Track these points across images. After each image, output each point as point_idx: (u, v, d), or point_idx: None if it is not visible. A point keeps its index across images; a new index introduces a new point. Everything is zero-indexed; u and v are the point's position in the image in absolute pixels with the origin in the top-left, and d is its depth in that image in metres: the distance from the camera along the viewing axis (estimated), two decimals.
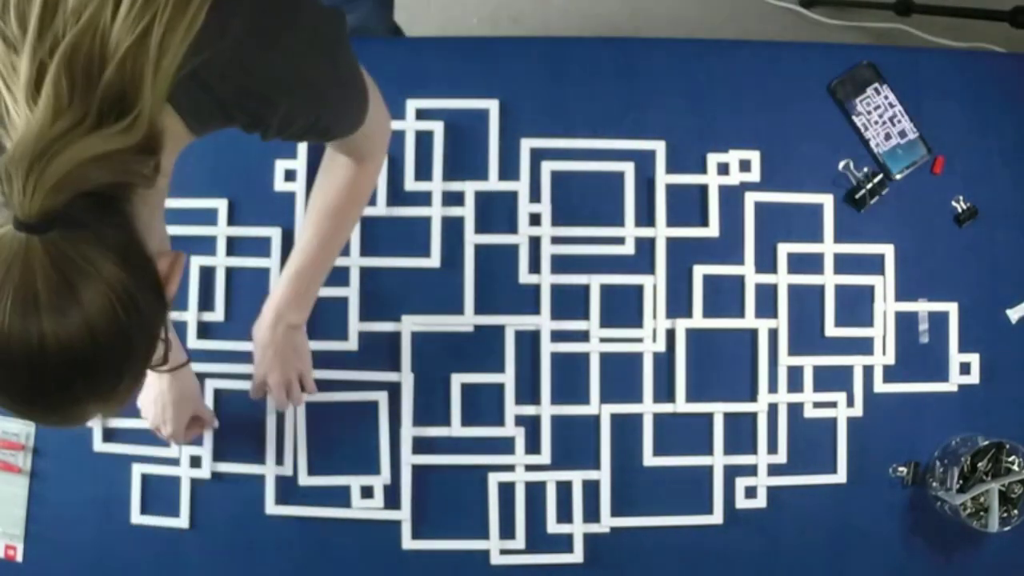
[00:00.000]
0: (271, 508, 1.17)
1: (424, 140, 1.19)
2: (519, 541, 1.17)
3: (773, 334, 1.20)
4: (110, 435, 1.18)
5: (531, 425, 1.18)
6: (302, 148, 1.19)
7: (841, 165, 1.18)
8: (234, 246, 1.19)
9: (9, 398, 0.58)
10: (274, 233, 1.18)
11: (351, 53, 0.79)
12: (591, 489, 1.18)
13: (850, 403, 1.21)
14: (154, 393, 1.08)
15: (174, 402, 1.08)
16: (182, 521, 1.16)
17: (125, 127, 0.57)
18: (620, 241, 1.20)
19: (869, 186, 1.19)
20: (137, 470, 1.17)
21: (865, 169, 1.19)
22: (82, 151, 0.55)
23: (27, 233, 0.54)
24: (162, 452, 1.17)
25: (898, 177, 1.21)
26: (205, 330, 1.18)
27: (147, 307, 0.60)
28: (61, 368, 0.56)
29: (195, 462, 1.17)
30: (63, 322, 0.54)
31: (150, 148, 0.60)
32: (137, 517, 1.17)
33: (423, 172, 1.19)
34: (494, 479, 1.17)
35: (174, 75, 0.61)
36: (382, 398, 1.17)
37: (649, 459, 1.18)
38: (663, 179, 1.20)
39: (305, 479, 1.17)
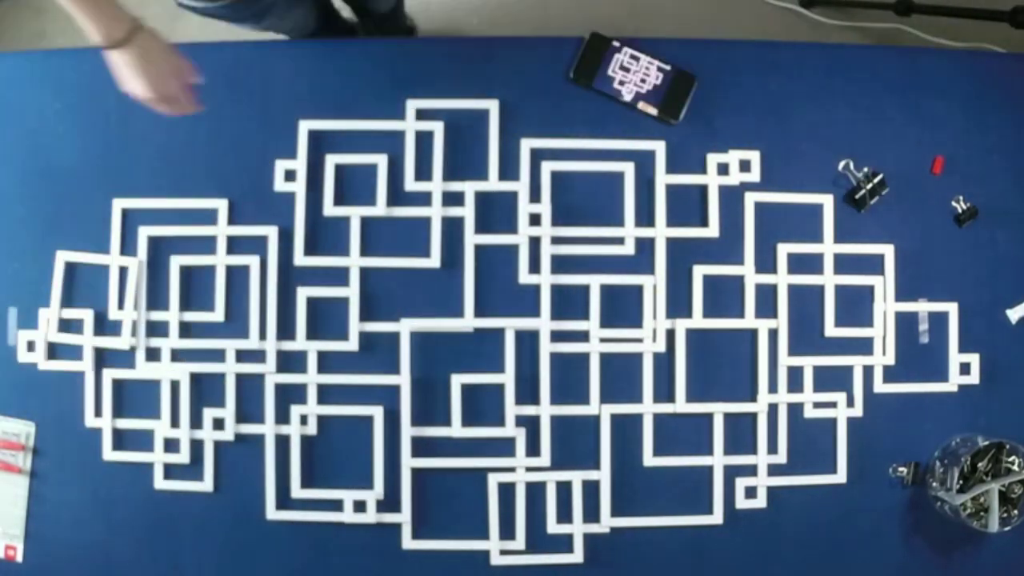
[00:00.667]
0: (271, 514, 1.17)
1: (424, 140, 1.20)
2: (519, 541, 1.17)
3: (773, 334, 1.20)
4: (119, 443, 1.18)
5: (531, 425, 1.18)
6: (302, 149, 1.19)
7: (841, 165, 1.18)
8: (234, 246, 1.19)
9: None
10: (271, 232, 1.18)
11: None
12: (591, 489, 1.18)
13: (850, 403, 1.21)
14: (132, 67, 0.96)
15: (163, 59, 0.97)
16: (206, 485, 1.17)
17: None
18: (620, 241, 1.20)
19: (869, 186, 1.19)
20: (160, 436, 1.17)
21: (865, 169, 1.19)
22: None
23: None
24: (171, 459, 1.17)
25: (680, 120, 1.17)
26: (205, 330, 1.18)
27: None
28: None
29: (218, 424, 1.17)
30: None
31: None
32: (161, 482, 1.17)
33: (423, 172, 1.19)
34: (494, 479, 1.17)
35: None
36: (377, 412, 1.17)
37: (649, 459, 1.18)
38: (663, 179, 1.20)
39: (298, 492, 1.17)
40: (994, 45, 1.77)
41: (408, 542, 1.17)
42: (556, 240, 1.20)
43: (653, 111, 1.13)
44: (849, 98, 1.23)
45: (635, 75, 1.16)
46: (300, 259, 1.18)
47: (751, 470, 1.19)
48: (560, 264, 1.19)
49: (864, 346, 1.21)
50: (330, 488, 1.17)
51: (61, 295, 1.18)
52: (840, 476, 1.20)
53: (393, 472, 1.18)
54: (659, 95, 1.17)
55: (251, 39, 1.26)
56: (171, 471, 1.17)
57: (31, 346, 1.18)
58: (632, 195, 1.20)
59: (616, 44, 1.14)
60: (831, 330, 1.21)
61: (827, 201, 1.21)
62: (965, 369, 1.22)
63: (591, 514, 1.18)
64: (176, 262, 1.18)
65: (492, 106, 1.20)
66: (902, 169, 1.22)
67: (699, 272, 1.20)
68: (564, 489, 1.18)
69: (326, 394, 1.18)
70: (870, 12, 1.91)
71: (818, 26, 1.95)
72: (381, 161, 1.19)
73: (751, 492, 1.19)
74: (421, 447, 1.18)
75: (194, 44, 1.40)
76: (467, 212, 1.19)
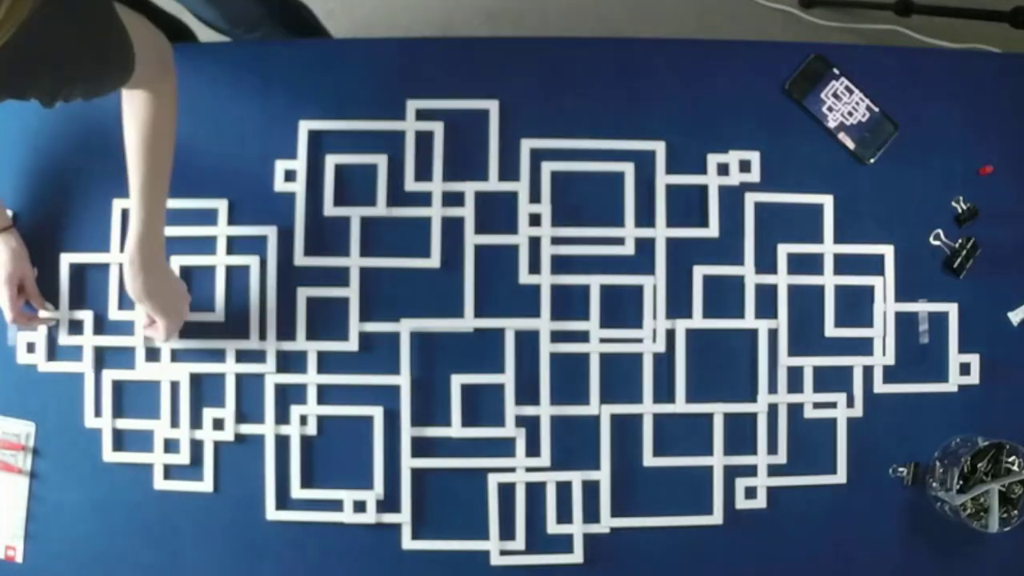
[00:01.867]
0: (271, 514, 1.17)
1: (424, 141, 1.20)
2: (519, 542, 1.17)
3: (773, 334, 1.20)
4: (119, 444, 1.18)
5: (531, 426, 1.18)
6: (302, 149, 1.19)
7: (932, 237, 1.19)
8: (234, 246, 1.19)
9: None
10: (270, 232, 1.18)
11: (104, 7, 0.82)
12: (591, 489, 1.18)
13: (850, 404, 1.21)
14: None
15: (4, 261, 1.11)
16: (206, 485, 1.17)
17: None
18: (620, 242, 1.20)
19: (964, 252, 1.20)
20: (160, 437, 1.17)
21: (960, 240, 1.20)
22: None
23: None
24: (171, 459, 1.17)
25: (872, 161, 1.21)
26: (204, 330, 1.18)
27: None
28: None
29: (218, 424, 1.17)
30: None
31: None
32: (161, 483, 1.17)
33: (423, 173, 1.19)
34: (494, 479, 1.17)
35: None
36: (377, 413, 1.17)
37: (649, 459, 1.18)
38: (663, 180, 1.20)
39: (298, 492, 1.17)
40: (991, 48, 1.78)
41: (408, 542, 1.17)
42: (556, 240, 1.20)
43: (851, 145, 1.17)
44: None
45: (844, 106, 1.20)
46: (300, 259, 1.18)
47: (751, 470, 1.19)
48: (560, 264, 1.19)
49: (864, 346, 1.21)
50: (330, 488, 1.17)
51: (68, 298, 1.18)
52: (840, 477, 1.20)
53: (393, 472, 1.17)
54: (860, 132, 1.20)
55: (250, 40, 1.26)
56: (171, 471, 1.17)
57: (31, 347, 1.18)
58: (632, 195, 1.20)
59: (836, 72, 1.18)
60: (831, 330, 1.21)
61: (827, 201, 1.21)
62: (965, 369, 1.22)
63: (591, 514, 1.18)
64: (176, 262, 1.18)
65: (492, 106, 1.20)
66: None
67: (699, 272, 1.20)
68: (564, 489, 1.18)
69: (326, 394, 1.18)
70: (868, 14, 1.91)
71: (816, 28, 1.95)
72: (381, 161, 1.19)
73: (751, 492, 1.19)
74: (421, 447, 1.18)
75: (194, 45, 1.41)
76: (467, 212, 1.19)
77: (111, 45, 0.84)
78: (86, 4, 0.79)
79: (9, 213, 1.15)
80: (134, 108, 1.00)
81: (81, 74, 0.82)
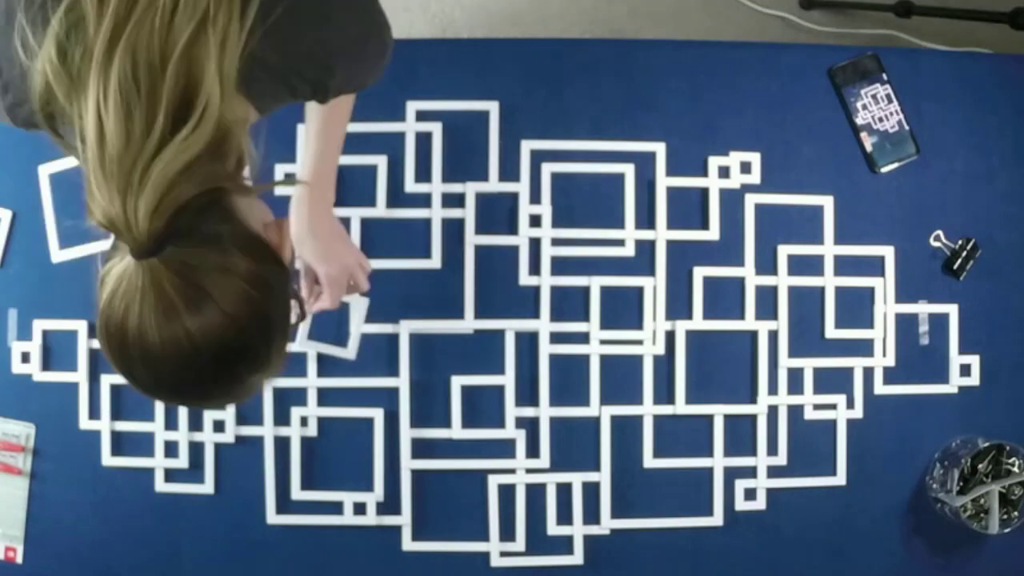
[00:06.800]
0: (272, 518, 1.17)
1: (424, 141, 1.19)
2: (519, 543, 1.17)
3: (773, 336, 1.20)
4: (118, 448, 1.17)
5: (531, 427, 1.18)
6: (301, 151, 1.19)
7: (932, 239, 1.19)
8: None
9: (183, 397, 0.65)
10: None
11: (378, 2, 0.81)
12: (591, 491, 1.18)
13: (850, 405, 1.21)
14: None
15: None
16: (207, 487, 1.17)
17: (194, 126, 0.58)
18: (620, 243, 1.20)
19: (964, 254, 1.20)
20: (160, 439, 1.17)
21: (959, 241, 1.20)
22: (166, 169, 0.57)
23: (146, 259, 0.58)
24: (171, 464, 1.17)
25: (883, 171, 1.21)
26: None
27: (273, 279, 0.65)
28: (216, 356, 0.61)
29: (218, 426, 1.17)
30: (202, 318, 0.59)
31: (222, 144, 0.61)
32: (161, 485, 1.17)
33: (423, 174, 1.19)
34: (494, 481, 1.17)
35: (239, 62, 0.61)
36: (377, 414, 1.17)
37: (649, 461, 1.18)
38: (663, 181, 1.20)
39: (298, 494, 1.17)
40: (990, 51, 1.77)
41: (408, 544, 1.17)
42: (556, 242, 1.19)
43: (868, 148, 1.18)
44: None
45: (879, 110, 1.21)
46: (300, 262, 1.18)
47: (751, 472, 1.19)
48: (560, 266, 1.19)
49: (864, 348, 1.21)
50: (330, 490, 1.17)
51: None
52: (840, 478, 1.20)
53: (393, 474, 1.17)
54: (882, 139, 1.21)
55: None
56: (171, 474, 1.17)
57: (26, 357, 1.17)
58: (632, 197, 1.20)
59: (884, 76, 1.20)
60: (831, 332, 1.21)
61: (827, 203, 1.21)
62: (965, 371, 1.22)
63: (591, 516, 1.18)
64: None
65: (492, 107, 1.20)
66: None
67: (699, 274, 1.20)
68: (564, 491, 1.18)
69: (326, 396, 1.18)
70: (867, 17, 1.91)
71: (815, 33, 1.95)
72: (381, 162, 1.19)
73: (751, 494, 1.19)
74: (421, 449, 1.18)
75: None
76: (467, 213, 1.19)
77: (386, 29, 0.83)
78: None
79: None
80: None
81: (370, 54, 0.81)
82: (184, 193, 0.58)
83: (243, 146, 0.64)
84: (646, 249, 1.20)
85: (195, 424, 1.17)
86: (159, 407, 1.17)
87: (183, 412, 1.17)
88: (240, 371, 0.64)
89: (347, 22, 0.74)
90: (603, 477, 1.18)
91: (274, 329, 0.65)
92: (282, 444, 1.17)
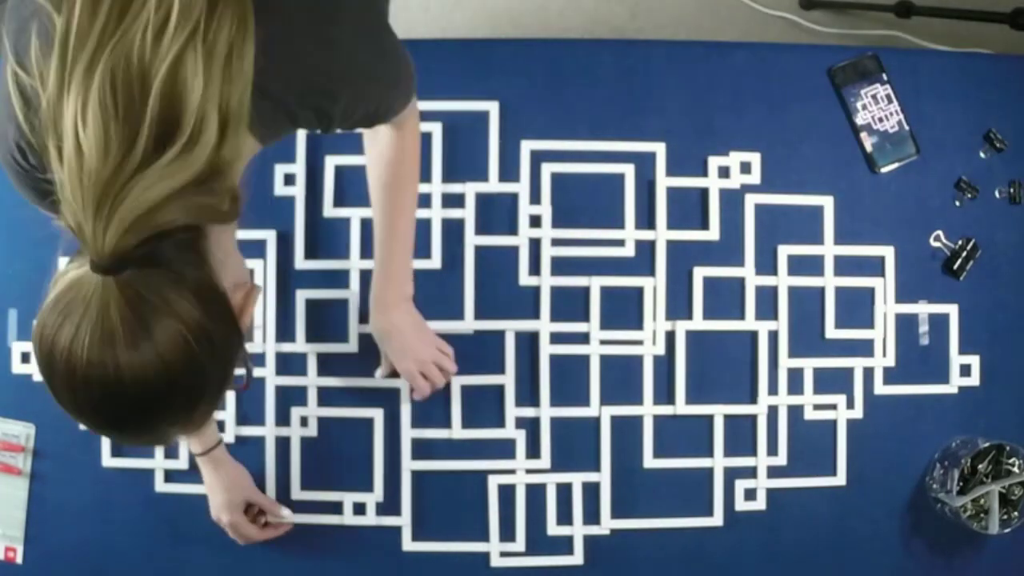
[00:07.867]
0: (272, 518, 1.16)
1: (424, 142, 1.19)
2: (519, 543, 1.17)
3: (773, 336, 1.20)
4: (118, 449, 1.17)
5: (531, 427, 1.18)
6: (301, 152, 1.19)
7: (932, 239, 1.19)
8: None
9: (95, 423, 0.62)
10: (269, 236, 1.18)
11: (390, 28, 0.80)
12: (591, 491, 1.18)
13: (850, 405, 1.20)
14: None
15: (222, 488, 1.10)
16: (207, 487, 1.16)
17: (180, 150, 0.57)
18: (620, 243, 1.20)
19: (964, 254, 1.20)
20: (160, 467, 1.17)
21: (959, 241, 1.20)
22: (150, 191, 0.55)
23: (102, 274, 0.56)
24: (171, 464, 1.17)
25: (883, 171, 1.21)
26: None
27: (220, 339, 0.62)
28: (138, 396, 0.59)
29: (219, 427, 1.16)
30: (136, 355, 0.57)
31: (216, 177, 0.59)
32: (162, 485, 1.17)
33: (423, 174, 1.19)
34: (494, 481, 1.17)
35: (246, 92, 0.60)
36: (377, 415, 1.17)
37: (649, 461, 1.18)
38: (663, 181, 1.20)
39: (298, 494, 1.17)
40: (990, 51, 1.77)
41: (408, 544, 1.17)
42: (556, 242, 1.19)
43: (868, 148, 1.18)
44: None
45: (879, 111, 1.21)
46: (300, 263, 1.18)
47: (751, 472, 1.19)
48: (560, 266, 1.19)
49: (864, 348, 1.21)
50: (330, 490, 1.17)
51: None
52: (840, 478, 1.20)
53: (393, 474, 1.17)
54: (882, 139, 1.21)
55: None
56: (171, 474, 1.17)
57: (26, 357, 1.17)
58: (632, 197, 1.20)
59: (884, 77, 1.20)
60: (831, 332, 1.21)
61: (827, 203, 1.21)
62: (965, 371, 1.22)
63: (591, 516, 1.18)
64: None
65: (492, 108, 1.20)
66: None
67: (699, 274, 1.20)
68: (564, 491, 1.18)
69: (326, 396, 1.18)
70: (868, 18, 1.92)
71: (815, 33, 1.95)
72: None
73: (751, 494, 1.19)
74: (421, 449, 1.18)
75: None
76: (467, 214, 1.19)
77: (402, 58, 0.81)
78: (375, 15, 0.78)
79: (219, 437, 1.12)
80: (377, 143, 0.99)
81: (380, 86, 0.79)
82: (166, 219, 0.57)
83: (237, 184, 0.63)
84: (646, 249, 1.20)
85: None
86: None
87: None
88: (156, 420, 0.62)
89: (351, 46, 0.73)
90: (603, 477, 1.18)
91: (205, 389, 0.63)
92: (282, 444, 1.17)
